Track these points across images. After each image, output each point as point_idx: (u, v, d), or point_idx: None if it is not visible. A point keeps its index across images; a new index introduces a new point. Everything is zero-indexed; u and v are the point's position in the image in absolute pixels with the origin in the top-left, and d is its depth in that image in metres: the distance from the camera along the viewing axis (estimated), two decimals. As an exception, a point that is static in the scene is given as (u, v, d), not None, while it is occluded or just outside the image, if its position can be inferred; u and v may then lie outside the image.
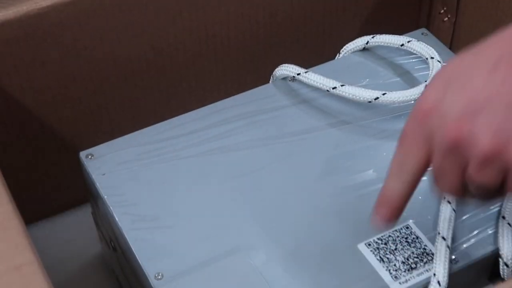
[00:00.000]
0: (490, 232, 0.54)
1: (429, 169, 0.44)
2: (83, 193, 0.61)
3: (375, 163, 0.58)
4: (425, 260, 0.52)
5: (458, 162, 0.42)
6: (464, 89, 0.42)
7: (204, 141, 0.60)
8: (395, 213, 0.47)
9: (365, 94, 0.60)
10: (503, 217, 0.53)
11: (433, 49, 0.63)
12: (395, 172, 0.46)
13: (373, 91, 0.60)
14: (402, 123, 0.60)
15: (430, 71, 0.62)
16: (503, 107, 0.40)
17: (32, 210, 0.64)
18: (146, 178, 0.57)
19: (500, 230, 0.53)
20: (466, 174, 0.42)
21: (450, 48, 0.70)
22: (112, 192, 0.56)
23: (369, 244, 0.53)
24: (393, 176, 0.46)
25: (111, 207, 0.55)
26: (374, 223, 0.47)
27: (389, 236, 0.53)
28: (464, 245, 0.53)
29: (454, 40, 0.76)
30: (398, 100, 0.60)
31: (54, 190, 0.71)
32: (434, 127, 0.42)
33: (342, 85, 0.61)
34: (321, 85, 0.62)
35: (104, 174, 0.57)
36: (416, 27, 0.78)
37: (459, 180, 0.43)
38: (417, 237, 0.53)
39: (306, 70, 0.63)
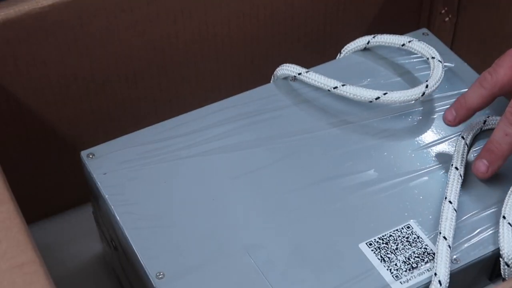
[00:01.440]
0: (490, 232, 0.54)
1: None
2: (84, 192, 0.61)
3: (376, 162, 0.58)
4: (426, 259, 0.52)
5: None
6: None
7: (204, 141, 0.59)
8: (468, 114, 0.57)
9: (366, 93, 0.60)
10: (504, 217, 0.53)
11: (434, 49, 0.63)
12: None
13: (374, 90, 0.60)
14: (403, 123, 0.61)
15: (431, 71, 0.62)
16: None
17: (33, 210, 0.64)
18: (147, 178, 0.57)
19: (500, 230, 0.53)
20: None
21: (451, 48, 0.70)
22: (113, 191, 0.56)
23: (370, 244, 0.53)
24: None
25: (112, 206, 0.55)
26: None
27: (390, 235, 0.53)
28: (465, 245, 0.53)
29: (455, 40, 0.76)
30: (399, 100, 0.60)
31: (55, 190, 0.71)
32: None
33: (343, 85, 0.61)
34: (322, 85, 0.62)
35: (105, 174, 0.57)
36: (417, 27, 0.78)
37: None
38: (418, 237, 0.53)
39: (307, 70, 0.63)
